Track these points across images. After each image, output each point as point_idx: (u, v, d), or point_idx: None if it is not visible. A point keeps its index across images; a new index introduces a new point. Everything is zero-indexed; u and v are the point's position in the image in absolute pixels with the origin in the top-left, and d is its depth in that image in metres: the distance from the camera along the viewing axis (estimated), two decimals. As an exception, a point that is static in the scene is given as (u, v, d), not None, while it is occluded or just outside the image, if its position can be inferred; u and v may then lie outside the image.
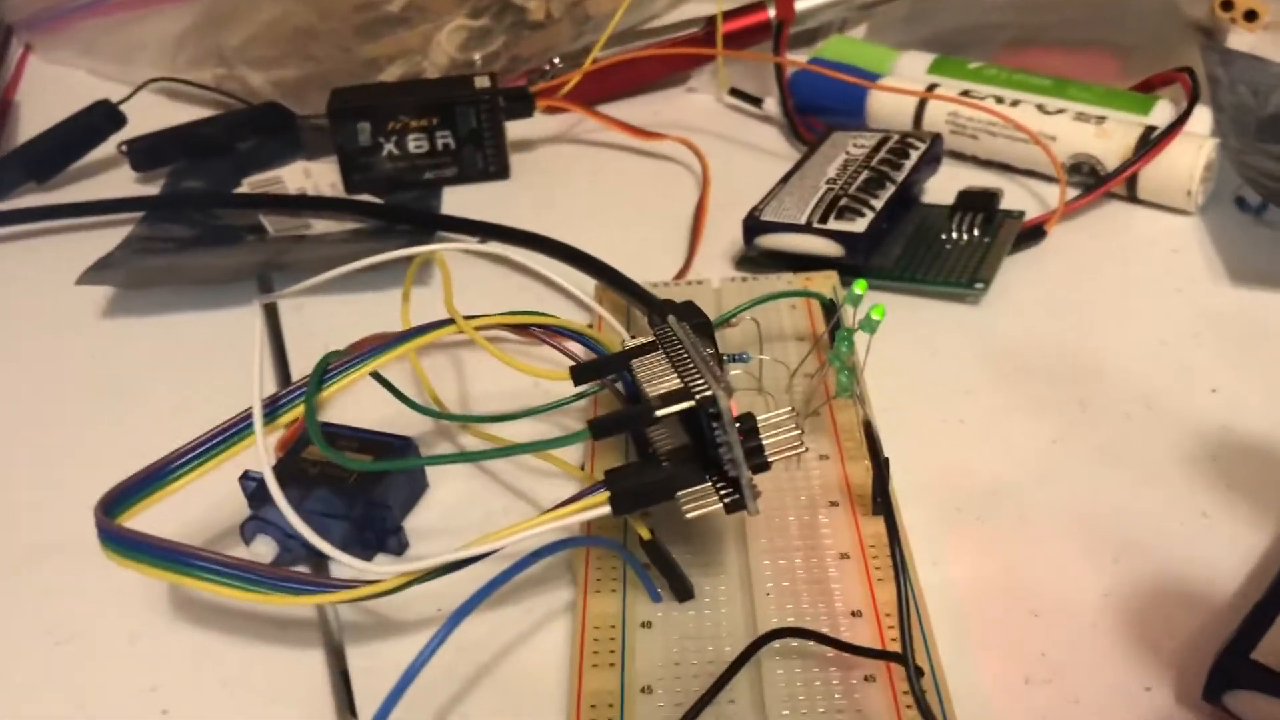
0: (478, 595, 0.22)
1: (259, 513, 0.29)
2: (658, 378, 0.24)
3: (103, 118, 0.49)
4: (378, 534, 0.30)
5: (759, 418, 0.22)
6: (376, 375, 0.28)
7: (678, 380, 0.23)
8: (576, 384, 0.26)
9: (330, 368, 0.26)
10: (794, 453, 0.23)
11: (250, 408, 0.26)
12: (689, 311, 0.28)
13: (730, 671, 0.23)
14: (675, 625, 0.26)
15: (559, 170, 0.48)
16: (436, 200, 0.46)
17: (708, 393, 0.22)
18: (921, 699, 0.22)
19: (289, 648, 0.28)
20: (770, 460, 0.23)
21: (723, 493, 0.23)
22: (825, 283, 0.36)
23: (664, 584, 0.26)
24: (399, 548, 0.30)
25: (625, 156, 0.49)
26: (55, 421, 0.36)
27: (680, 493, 0.23)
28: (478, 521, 0.31)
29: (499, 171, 0.47)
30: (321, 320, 0.39)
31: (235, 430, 0.26)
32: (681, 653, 0.25)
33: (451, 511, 0.31)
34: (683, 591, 0.26)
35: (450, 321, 0.27)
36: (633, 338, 0.30)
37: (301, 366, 0.37)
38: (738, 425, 0.22)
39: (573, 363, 0.30)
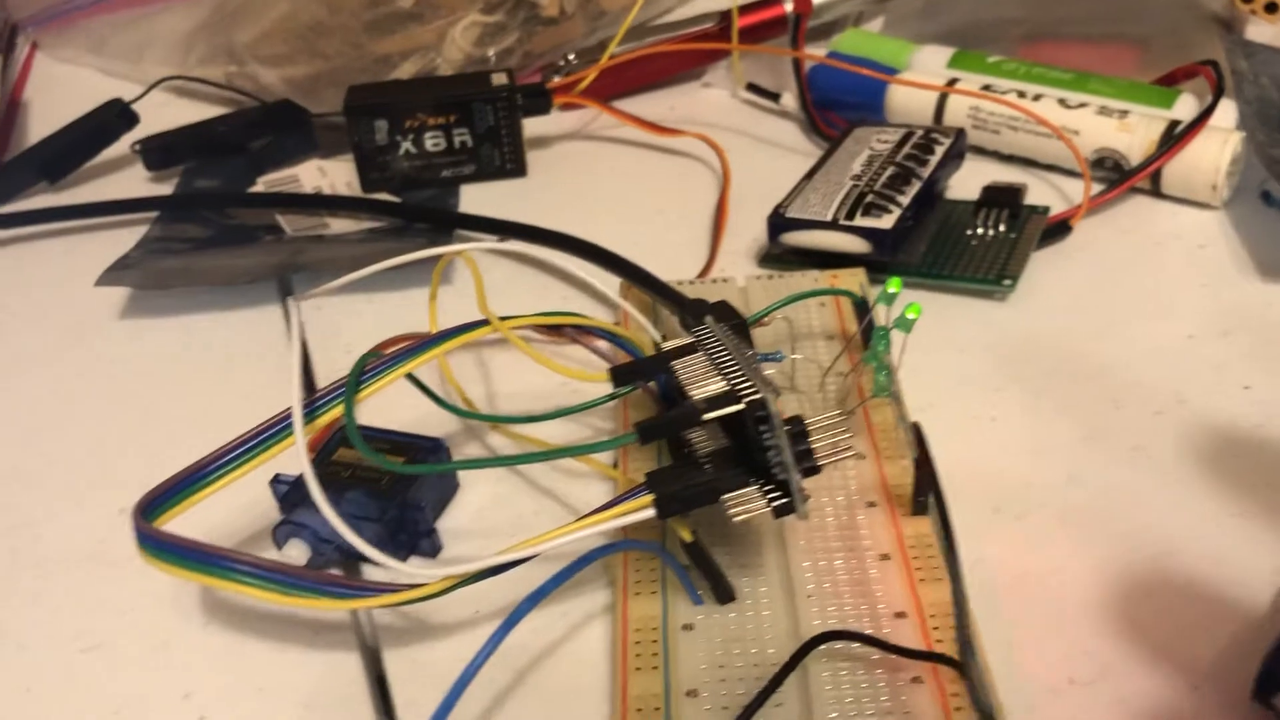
0: (531, 599, 0.22)
1: (291, 516, 0.29)
2: (700, 380, 0.24)
3: (115, 117, 0.49)
4: (411, 536, 0.29)
5: (807, 420, 0.22)
6: (410, 377, 0.28)
7: (722, 382, 0.23)
8: (616, 385, 0.26)
9: (367, 369, 0.26)
10: (844, 456, 0.22)
11: (289, 409, 0.26)
12: (724, 311, 0.28)
13: (780, 676, 0.23)
14: (717, 628, 0.25)
15: (576, 167, 0.48)
16: (454, 199, 0.46)
17: (756, 396, 0.22)
18: (985, 704, 0.22)
19: (324, 652, 0.28)
20: (820, 464, 0.22)
21: (770, 496, 0.23)
22: (852, 280, 0.36)
23: (704, 586, 0.26)
24: (432, 550, 0.29)
25: (642, 153, 0.48)
26: (76, 425, 0.36)
27: (725, 496, 0.23)
28: (509, 523, 0.31)
29: (516, 169, 0.47)
30: (341, 320, 0.39)
31: (274, 432, 0.25)
32: (725, 656, 0.25)
33: (483, 513, 0.31)
34: (724, 594, 0.25)
35: (485, 322, 0.27)
36: (663, 338, 0.30)
37: (323, 367, 0.37)
38: (787, 429, 0.21)
39: (605, 364, 0.29)
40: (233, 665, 0.27)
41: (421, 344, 0.26)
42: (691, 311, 0.28)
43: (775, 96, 0.49)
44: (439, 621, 0.28)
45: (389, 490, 0.29)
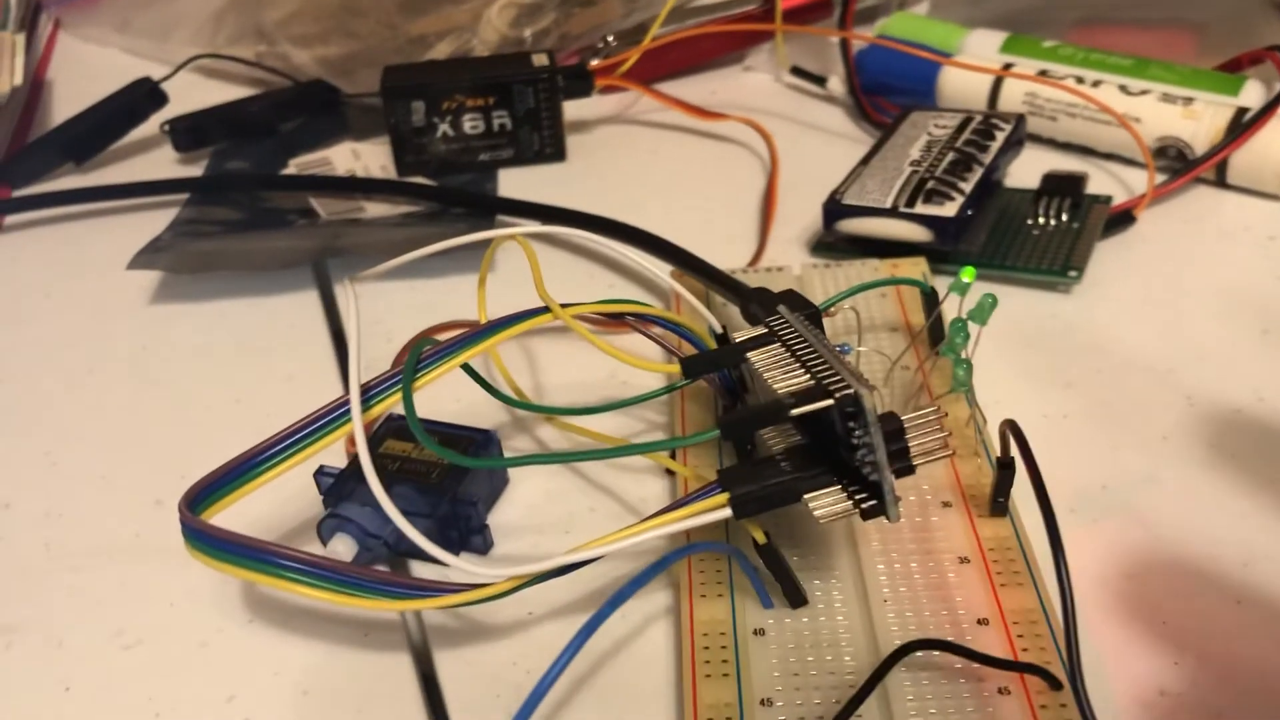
0: (611, 604, 0.21)
1: (337, 510, 0.28)
2: (780, 373, 0.22)
3: (144, 97, 0.48)
4: (462, 533, 0.28)
5: (903, 417, 0.21)
6: (464, 366, 0.26)
7: (805, 376, 0.22)
8: (687, 377, 0.25)
9: (423, 357, 0.25)
10: (941, 456, 0.21)
11: (343, 397, 0.24)
12: (795, 301, 0.26)
13: (866, 688, 0.21)
14: (790, 633, 0.24)
15: (616, 152, 0.46)
16: (492, 183, 0.45)
17: (848, 391, 0.20)
18: (1091, 716, 0.20)
19: (373, 652, 0.27)
20: (916, 464, 0.21)
21: (857, 498, 0.21)
22: (914, 269, 0.34)
23: (775, 590, 0.25)
24: (484, 547, 0.28)
25: (685, 138, 0.47)
26: (109, 412, 0.35)
27: (808, 496, 0.22)
28: (562, 520, 0.29)
29: (555, 153, 0.46)
30: (380, 307, 0.38)
31: (328, 420, 0.24)
32: (799, 663, 0.23)
33: (534, 509, 0.30)
34: (797, 598, 0.24)
35: (545, 309, 0.26)
36: (724, 329, 0.29)
37: (362, 350, 0.35)
38: (881, 427, 0.20)
39: (667, 354, 0.28)
40: (277, 666, 0.26)
41: (479, 331, 0.25)
42: (758, 300, 0.26)
43: (821, 80, 0.48)
44: (492, 622, 0.27)
45: (440, 484, 0.28)
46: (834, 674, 0.23)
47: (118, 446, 0.33)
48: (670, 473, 0.30)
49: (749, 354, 0.23)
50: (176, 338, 0.38)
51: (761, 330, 0.24)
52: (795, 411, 0.21)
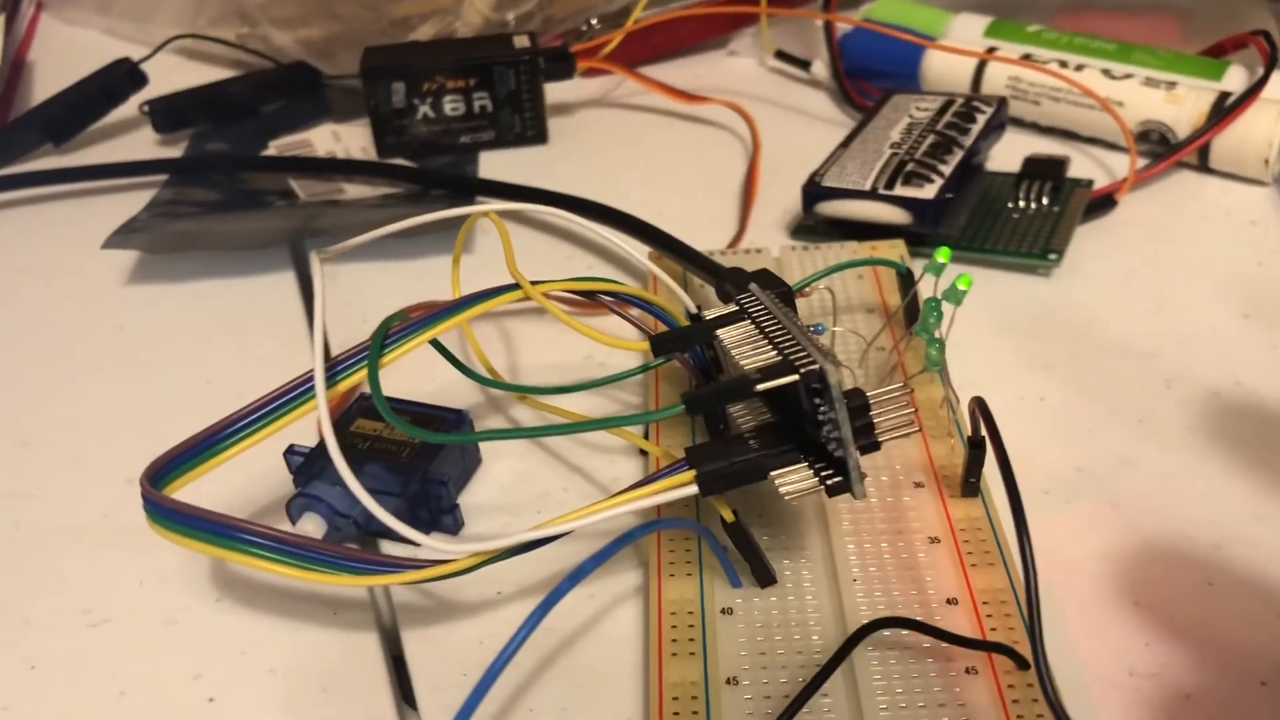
0: (571, 579, 0.20)
1: (306, 489, 0.28)
2: (750, 349, 0.22)
3: (123, 77, 0.47)
4: (432, 513, 0.28)
5: (869, 394, 0.21)
6: (435, 343, 0.26)
7: (773, 352, 0.22)
8: (657, 355, 0.25)
9: (390, 332, 0.25)
10: (907, 432, 0.21)
11: (308, 372, 0.24)
12: (767, 279, 0.26)
13: (830, 665, 0.21)
14: (758, 612, 0.24)
15: (598, 135, 0.46)
16: (472, 165, 0.44)
17: (813, 366, 0.20)
18: (1054, 696, 0.20)
19: (340, 631, 0.26)
20: (881, 441, 0.21)
21: (824, 475, 0.21)
22: (892, 251, 0.34)
23: (743, 569, 0.24)
24: (455, 527, 0.28)
25: (667, 121, 0.47)
26: (82, 391, 0.35)
27: (774, 473, 0.22)
28: (534, 499, 0.29)
29: (537, 136, 0.45)
30: (357, 288, 0.37)
31: (292, 396, 0.24)
32: (767, 642, 0.23)
33: (506, 489, 0.30)
34: (765, 577, 0.24)
35: (515, 286, 0.26)
36: (698, 308, 0.29)
37: (338, 335, 0.35)
38: (846, 402, 0.20)
39: (639, 332, 0.28)
40: (244, 644, 0.26)
41: (448, 308, 0.25)
42: (732, 280, 0.26)
43: (805, 64, 0.48)
44: (460, 601, 0.27)
45: (410, 463, 0.28)
46: (801, 653, 0.23)
47: (89, 425, 0.33)
48: (644, 453, 0.30)
49: (718, 331, 0.23)
50: (151, 318, 0.37)
51: (732, 308, 0.24)
52: (761, 387, 0.20)
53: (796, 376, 0.20)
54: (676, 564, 0.25)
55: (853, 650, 0.22)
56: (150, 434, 0.32)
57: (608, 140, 0.46)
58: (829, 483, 0.21)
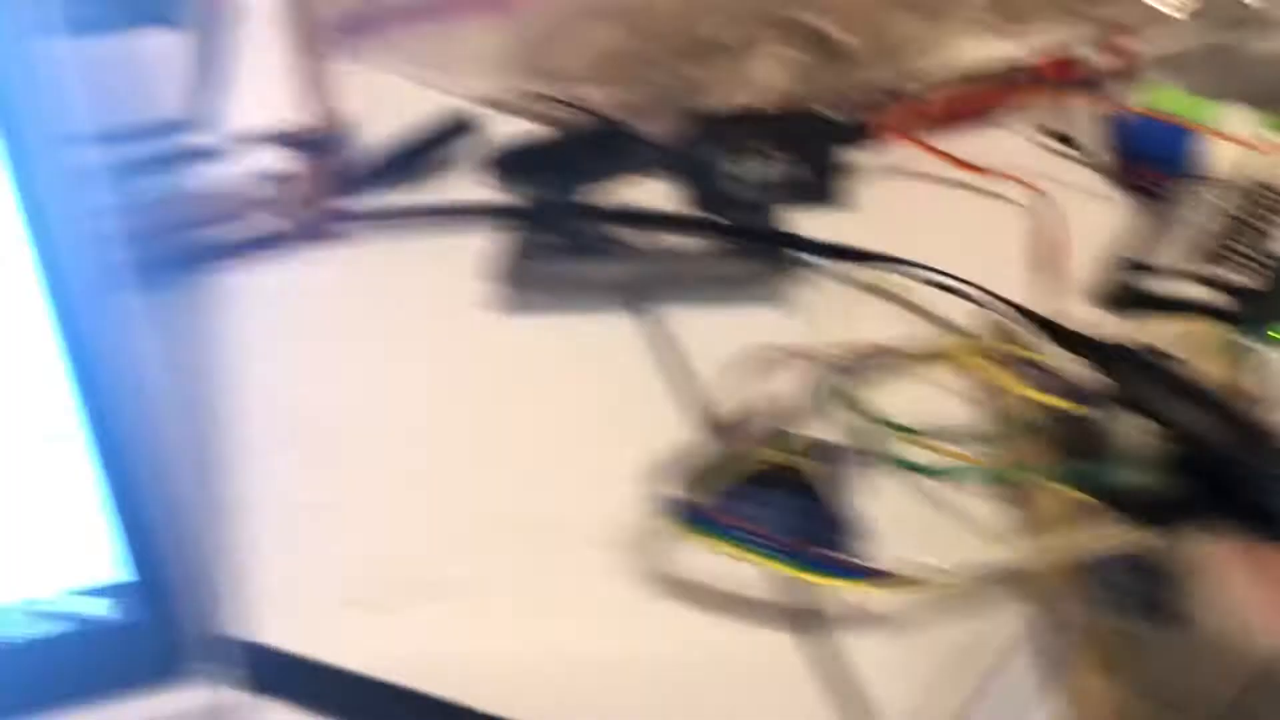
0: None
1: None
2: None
3: (455, 128, 0.53)
4: (834, 541, 0.32)
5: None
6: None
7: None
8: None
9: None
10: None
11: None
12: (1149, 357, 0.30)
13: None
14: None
15: (886, 200, 0.50)
16: (776, 225, 0.49)
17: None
18: None
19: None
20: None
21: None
22: (1209, 332, 0.38)
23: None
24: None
25: (947, 191, 0.51)
26: (455, 421, 0.40)
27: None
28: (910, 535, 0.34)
29: (836, 200, 0.50)
30: (684, 334, 0.43)
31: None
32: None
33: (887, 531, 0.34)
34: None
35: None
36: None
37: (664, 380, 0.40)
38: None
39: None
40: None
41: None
42: (1116, 356, 0.30)
43: (1076, 144, 0.52)
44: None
45: (817, 492, 0.33)
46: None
47: (454, 457, 0.39)
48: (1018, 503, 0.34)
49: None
50: (517, 351, 0.43)
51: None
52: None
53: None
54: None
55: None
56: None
57: (897, 205, 0.50)
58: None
